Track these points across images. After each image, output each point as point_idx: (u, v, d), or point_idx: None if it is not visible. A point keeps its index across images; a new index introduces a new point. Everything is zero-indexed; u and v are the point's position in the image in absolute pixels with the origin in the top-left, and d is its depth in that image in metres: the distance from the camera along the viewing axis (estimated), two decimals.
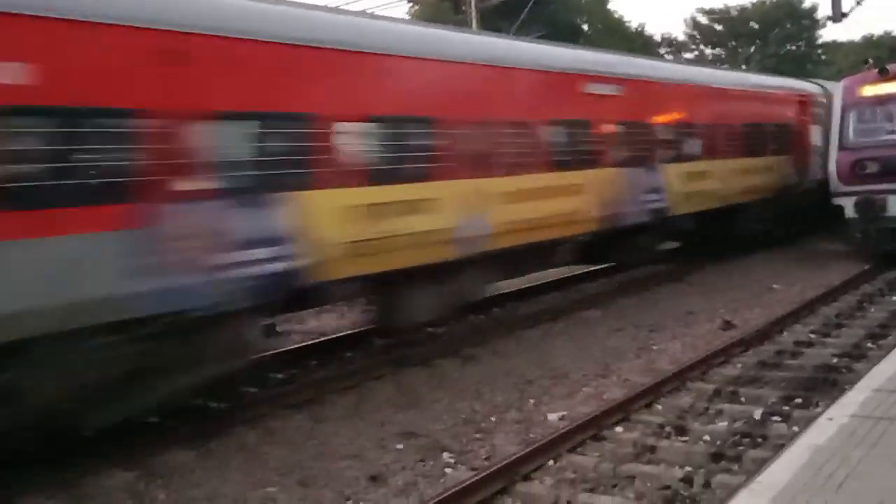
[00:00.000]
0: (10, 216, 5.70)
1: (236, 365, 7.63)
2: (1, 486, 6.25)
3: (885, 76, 15.28)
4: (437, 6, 36.30)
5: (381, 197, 8.62)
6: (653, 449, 6.67)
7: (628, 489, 6.05)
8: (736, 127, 16.43)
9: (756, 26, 57.45)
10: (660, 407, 7.87)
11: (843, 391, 6.41)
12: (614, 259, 14.83)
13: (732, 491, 4.95)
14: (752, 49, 57.35)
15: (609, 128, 12.60)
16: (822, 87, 20.50)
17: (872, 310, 11.84)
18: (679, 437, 6.98)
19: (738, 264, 16.62)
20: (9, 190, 5.72)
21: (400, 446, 7.20)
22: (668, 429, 7.14)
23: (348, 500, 6.19)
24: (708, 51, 59.53)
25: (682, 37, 59.98)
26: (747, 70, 37.76)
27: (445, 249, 9.47)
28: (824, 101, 19.34)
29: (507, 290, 13.84)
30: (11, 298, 5.70)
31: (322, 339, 11.13)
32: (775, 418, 7.25)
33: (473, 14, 29.03)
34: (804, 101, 19.53)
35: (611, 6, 51.28)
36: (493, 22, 30.65)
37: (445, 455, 6.96)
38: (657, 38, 57.21)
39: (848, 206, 15.26)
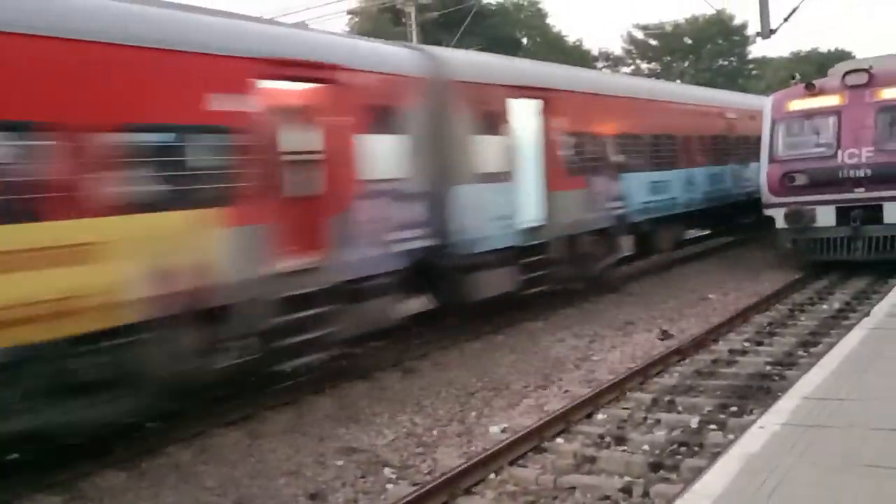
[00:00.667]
0: None
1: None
2: None
3: (811, 91, 15.81)
4: (378, 18, 36.27)
5: None
6: (593, 459, 6.71)
7: (569, 501, 6.08)
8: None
9: (690, 42, 59.06)
10: (600, 417, 7.94)
11: (775, 399, 6.55)
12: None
13: (670, 500, 5.02)
14: (686, 64, 58.90)
15: None
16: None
17: (803, 318, 12.19)
18: (618, 447, 7.04)
19: (675, 274, 16.99)
20: None
21: (340, 462, 7.09)
22: (607, 439, 7.20)
23: None
24: (644, 65, 60.89)
25: (618, 51, 61.30)
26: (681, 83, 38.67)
27: None
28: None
29: (445, 303, 13.82)
30: None
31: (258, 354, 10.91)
32: (711, 426, 7.37)
33: (414, 26, 29.12)
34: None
35: (549, 21, 52.09)
36: (433, 34, 30.79)
37: (387, 470, 6.88)
38: (595, 52, 58.29)
39: (778, 216, 15.72)
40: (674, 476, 6.30)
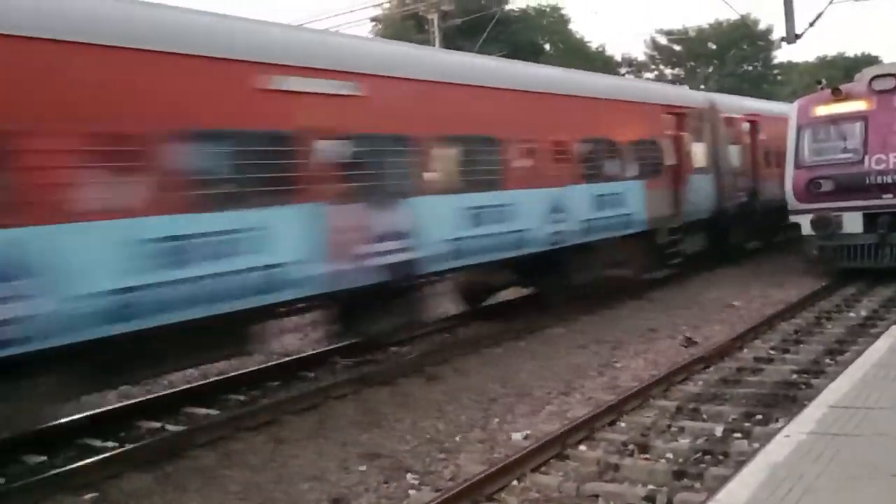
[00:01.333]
0: None
1: None
2: None
3: (837, 96, 15.65)
4: (401, 25, 36.44)
5: None
6: (616, 467, 6.68)
7: None
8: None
9: (714, 47, 58.67)
10: (623, 424, 7.89)
11: (801, 407, 6.48)
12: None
13: None
14: (711, 69, 58.53)
15: None
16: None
17: (830, 326, 12.05)
18: (642, 455, 7.00)
19: (698, 281, 16.86)
20: None
21: (363, 467, 7.11)
22: (631, 447, 7.15)
23: None
24: (667, 70, 60.59)
25: (642, 57, 61.04)
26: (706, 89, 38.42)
27: None
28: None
29: (469, 309, 13.85)
30: None
31: (284, 359, 11.01)
32: (736, 435, 7.30)
33: (436, 33, 29.23)
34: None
35: (572, 27, 52.01)
36: (456, 41, 30.87)
37: (409, 476, 6.89)
38: (617, 58, 58.11)
39: (804, 223, 15.56)
40: (698, 485, 6.24)
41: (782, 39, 19.88)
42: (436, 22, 29.55)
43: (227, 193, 7.70)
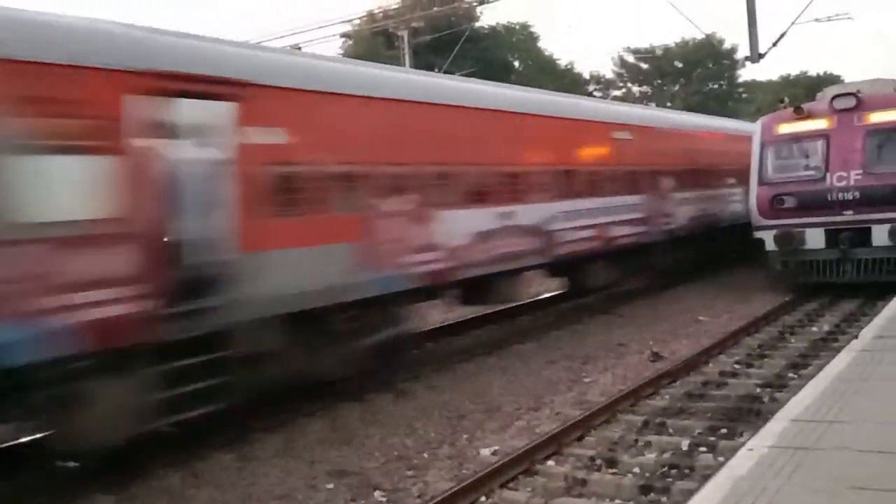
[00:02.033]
0: None
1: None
2: None
3: (800, 114, 15.99)
4: (371, 42, 36.55)
5: None
6: (584, 482, 6.71)
7: None
8: None
9: (680, 65, 59.63)
10: (591, 439, 7.94)
11: (765, 421, 6.57)
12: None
13: None
14: (677, 87, 59.44)
15: None
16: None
17: (793, 340, 12.24)
18: (609, 470, 7.04)
19: (666, 296, 17.04)
20: None
21: (331, 485, 7.07)
22: (598, 461, 7.19)
23: None
24: (635, 88, 61.42)
25: (610, 74, 61.82)
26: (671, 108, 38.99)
27: None
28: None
29: (441, 325, 13.86)
30: None
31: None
32: (702, 449, 7.38)
33: (407, 50, 29.35)
34: None
35: (541, 44, 52.55)
36: (426, 58, 31.03)
37: (377, 494, 6.86)
38: (586, 75, 58.80)
39: (768, 239, 15.83)
40: (664, 499, 6.30)
41: (746, 58, 20.25)
42: (406, 39, 29.70)
43: None
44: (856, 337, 9.38)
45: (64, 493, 6.80)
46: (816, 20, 24.08)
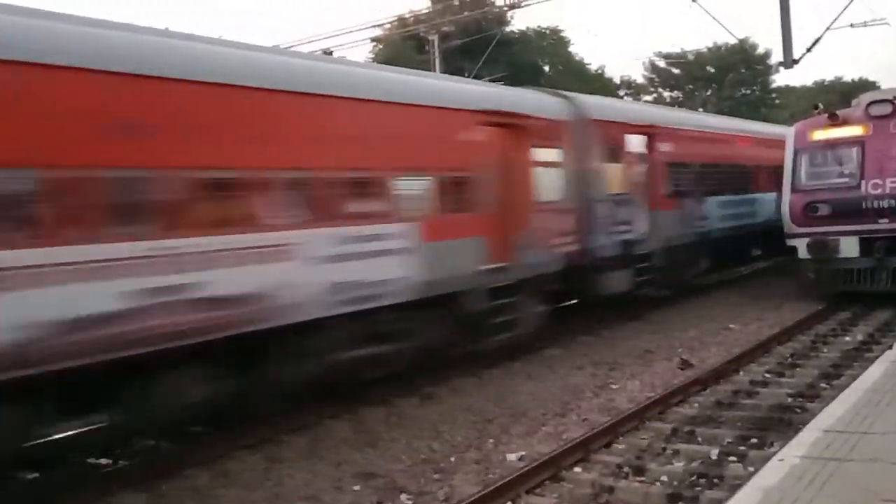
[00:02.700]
0: None
1: None
2: None
3: (834, 121, 15.76)
4: (401, 46, 36.70)
5: None
6: (611, 490, 6.67)
7: None
8: None
9: (712, 70, 59.08)
10: (618, 446, 7.89)
11: (796, 431, 6.49)
12: None
13: None
14: (709, 93, 58.90)
15: None
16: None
17: (826, 350, 12.06)
18: (637, 478, 6.99)
19: (695, 303, 16.88)
20: None
21: (357, 487, 7.10)
22: (626, 469, 7.15)
23: None
24: (666, 93, 60.96)
25: (640, 79, 61.44)
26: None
27: None
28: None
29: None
30: None
31: None
32: (731, 458, 7.30)
33: (437, 54, 29.43)
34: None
35: (572, 49, 52.38)
36: (456, 62, 31.08)
37: (403, 497, 6.88)
38: (616, 80, 58.48)
39: (801, 247, 15.60)
40: None
41: (780, 64, 19.96)
42: (436, 43, 29.78)
43: None
44: (890, 347, 9.24)
45: (92, 491, 6.90)
46: (852, 25, 23.76)
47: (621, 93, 56.63)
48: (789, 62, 19.13)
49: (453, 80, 13.36)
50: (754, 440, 7.82)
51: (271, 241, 7.91)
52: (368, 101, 9.27)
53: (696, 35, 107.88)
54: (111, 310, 6.53)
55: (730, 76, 58.38)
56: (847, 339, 12.73)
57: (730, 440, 7.85)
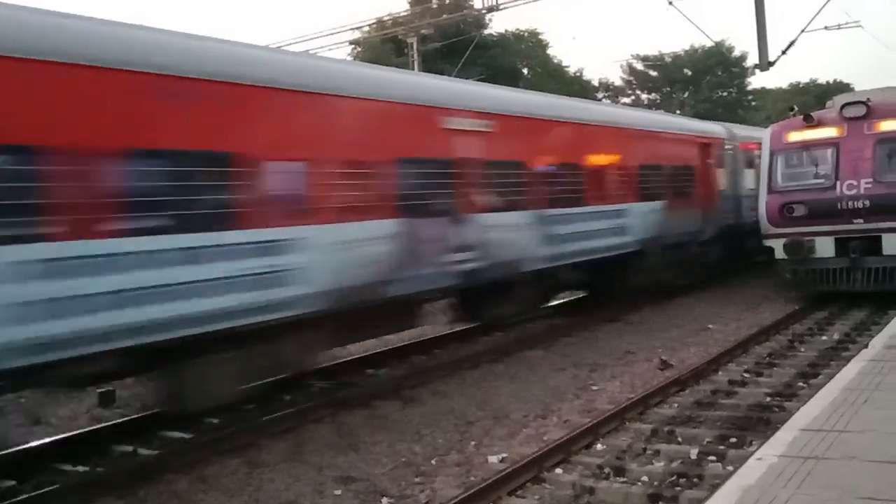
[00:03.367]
0: None
1: None
2: None
3: (809, 123, 15.93)
4: (380, 48, 36.65)
5: None
6: (592, 491, 6.69)
7: None
8: None
9: (689, 73, 59.54)
10: (599, 447, 7.92)
11: (774, 430, 6.54)
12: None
13: None
14: (686, 94, 59.34)
15: None
16: None
17: (803, 349, 12.18)
18: (617, 479, 7.02)
19: (675, 304, 16.99)
20: None
21: (338, 492, 7.07)
22: (606, 470, 7.18)
23: None
24: (643, 95, 61.35)
25: (618, 82, 61.79)
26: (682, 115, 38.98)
27: None
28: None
29: (449, 331, 13.85)
30: None
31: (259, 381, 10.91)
32: (710, 458, 7.35)
33: (416, 56, 29.43)
34: None
35: (550, 51, 52.58)
36: (435, 64, 31.09)
37: (384, 500, 6.86)
38: (595, 82, 58.77)
39: (778, 247, 15.76)
40: None
41: (756, 66, 20.18)
42: (415, 45, 29.79)
43: None
44: (866, 346, 9.34)
45: (72, 496, 6.83)
46: (826, 28, 24.10)
47: (599, 95, 56.93)
48: (765, 64, 19.33)
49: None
50: (733, 439, 7.88)
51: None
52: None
53: (674, 38, 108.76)
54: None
55: (707, 78, 58.87)
56: (824, 338, 12.87)
57: (709, 440, 7.91)
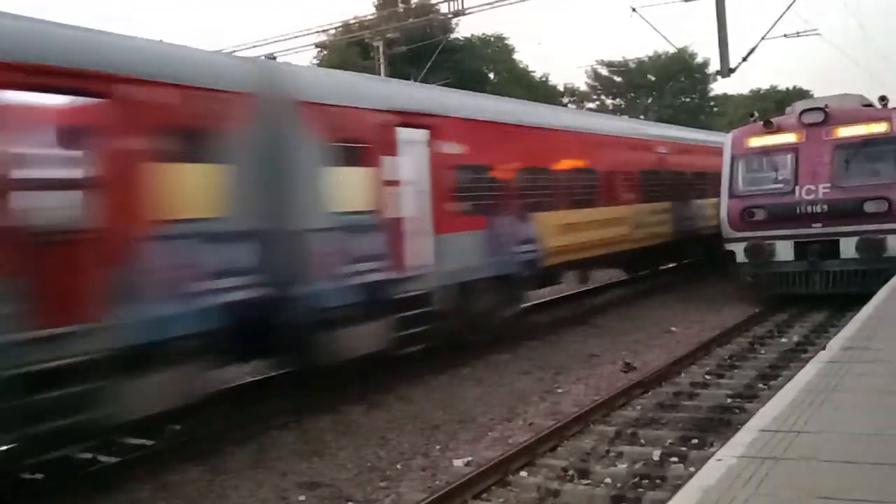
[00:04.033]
0: None
1: None
2: None
3: (769, 128, 16.23)
4: (346, 52, 36.54)
5: None
6: (556, 493, 6.73)
7: None
8: None
9: (653, 78, 60.28)
10: (564, 450, 7.97)
11: (735, 431, 6.63)
12: None
13: None
14: (650, 100, 60.06)
15: None
16: None
17: (763, 351, 12.39)
18: (582, 481, 7.07)
19: (639, 307, 17.17)
20: None
21: (302, 497, 7.02)
22: (571, 472, 7.22)
23: None
24: (608, 101, 61.95)
25: (584, 87, 62.32)
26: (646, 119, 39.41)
27: None
28: None
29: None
30: None
31: (223, 387, 10.78)
32: (673, 459, 7.44)
33: (382, 60, 29.38)
34: None
35: (516, 56, 52.85)
36: (401, 68, 31.06)
37: None
38: (560, 87, 59.19)
39: (738, 251, 16.01)
40: None
41: (717, 73, 20.54)
42: (381, 49, 29.74)
43: None
44: (824, 348, 9.50)
45: None
46: (785, 36, 24.50)
47: (565, 100, 57.35)
48: (726, 71, 19.67)
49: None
50: (695, 441, 7.98)
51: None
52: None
53: (638, 44, 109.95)
54: None
55: (670, 84, 59.68)
56: (783, 340, 13.10)
57: (671, 441, 8.00)
